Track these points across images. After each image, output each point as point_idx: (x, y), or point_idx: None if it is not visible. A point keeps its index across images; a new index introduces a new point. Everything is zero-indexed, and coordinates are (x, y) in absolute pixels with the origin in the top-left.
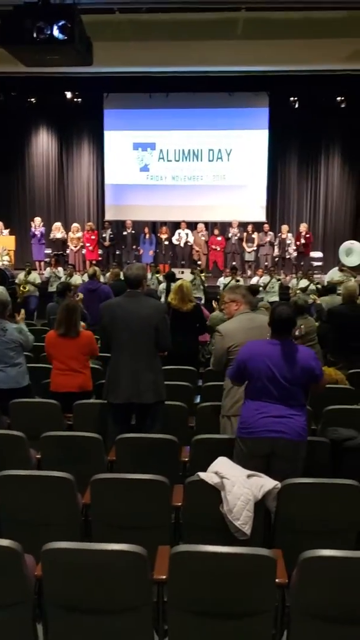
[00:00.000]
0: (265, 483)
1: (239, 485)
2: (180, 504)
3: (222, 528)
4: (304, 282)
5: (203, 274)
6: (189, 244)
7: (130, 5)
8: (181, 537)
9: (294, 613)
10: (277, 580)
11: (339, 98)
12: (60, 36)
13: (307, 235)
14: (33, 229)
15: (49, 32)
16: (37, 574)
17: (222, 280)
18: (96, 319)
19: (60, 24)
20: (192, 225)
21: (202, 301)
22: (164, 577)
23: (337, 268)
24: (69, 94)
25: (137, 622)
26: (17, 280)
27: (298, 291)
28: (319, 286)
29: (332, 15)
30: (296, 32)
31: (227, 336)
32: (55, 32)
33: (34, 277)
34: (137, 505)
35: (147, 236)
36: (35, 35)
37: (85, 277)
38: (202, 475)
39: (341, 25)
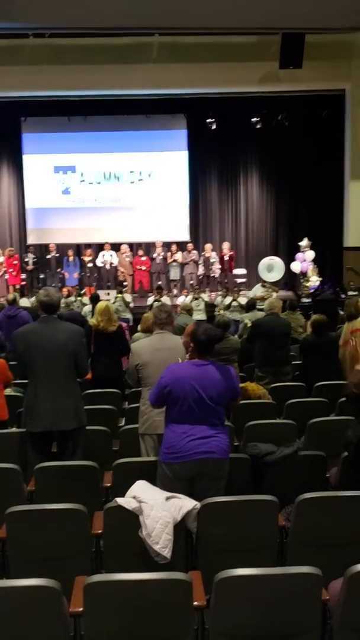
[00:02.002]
0: (184, 504)
1: (157, 509)
2: (101, 531)
3: (143, 553)
4: (228, 299)
5: (123, 295)
6: (113, 265)
7: (37, 31)
8: (102, 566)
9: (213, 635)
10: (195, 603)
11: (254, 119)
12: None
13: (230, 253)
14: None
15: None
16: None
17: (150, 300)
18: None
19: None
20: (116, 247)
21: (131, 322)
22: (80, 609)
23: (260, 284)
24: None
25: None
26: None
27: (222, 309)
28: (242, 303)
29: (243, 40)
30: (209, 55)
31: (135, 354)
32: None
33: None
34: (55, 536)
35: (71, 259)
36: None
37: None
38: (119, 500)
39: (252, 50)
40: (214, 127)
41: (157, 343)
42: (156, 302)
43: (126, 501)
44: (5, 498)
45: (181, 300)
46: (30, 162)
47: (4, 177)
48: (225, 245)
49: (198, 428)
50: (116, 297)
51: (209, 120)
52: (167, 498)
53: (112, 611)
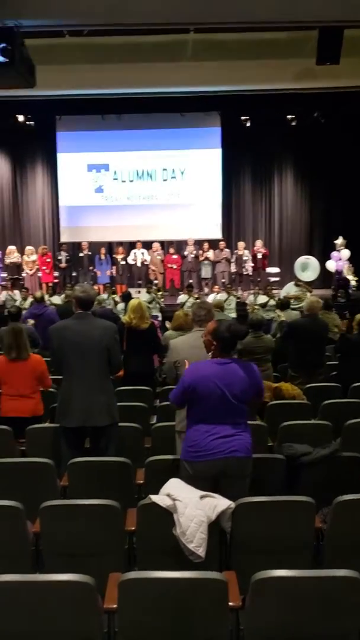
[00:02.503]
0: (219, 503)
1: (192, 507)
2: (134, 528)
3: (177, 551)
4: (262, 298)
5: (160, 293)
6: (145, 263)
7: (74, 28)
8: (135, 563)
9: (248, 637)
10: (230, 603)
11: (289, 116)
12: (1, 59)
13: (263, 251)
14: None
15: None
16: None
17: (181, 298)
18: (45, 343)
19: (0, 46)
20: (147, 245)
21: (160, 319)
22: (114, 606)
23: (293, 283)
24: (21, 118)
25: None
26: None
27: (256, 307)
28: (278, 301)
29: (278, 36)
30: (244, 52)
31: (173, 350)
32: None
33: None
34: (89, 532)
35: (103, 257)
36: None
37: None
38: (153, 498)
39: (287, 46)
40: (248, 124)
41: (196, 340)
42: (197, 300)
43: (160, 498)
44: (39, 492)
45: (212, 298)
46: (65, 160)
47: (39, 175)
48: (258, 243)
49: (221, 427)
50: (151, 295)
51: (243, 118)
52: (202, 497)
53: (146, 609)
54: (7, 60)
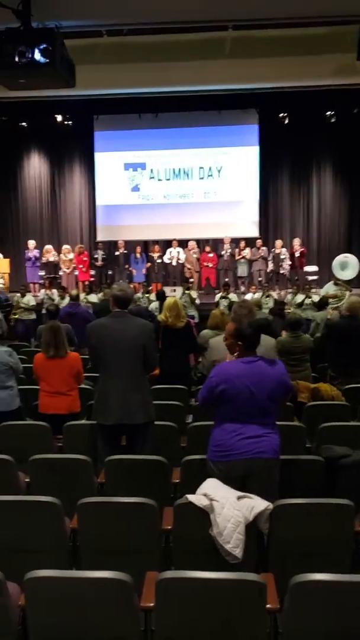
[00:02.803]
0: (256, 504)
1: (229, 507)
2: (170, 527)
3: (213, 552)
4: (300, 297)
5: (190, 292)
6: (180, 262)
7: (114, 27)
8: (172, 562)
9: None
10: (267, 606)
11: (328, 113)
12: (42, 59)
13: (301, 250)
14: (28, 253)
15: (30, 56)
16: (21, 603)
17: (218, 297)
18: (81, 342)
19: (41, 47)
20: (183, 243)
21: (197, 319)
22: (152, 604)
23: (332, 282)
24: (59, 117)
25: None
26: (12, 303)
27: (294, 306)
28: (315, 301)
29: (317, 31)
30: (282, 49)
31: (214, 349)
32: (37, 55)
33: (28, 299)
34: (125, 530)
35: (139, 256)
36: (17, 59)
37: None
38: (190, 497)
39: (326, 42)
40: (286, 121)
41: None
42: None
43: (197, 498)
44: (76, 489)
45: (248, 297)
46: (102, 160)
47: (76, 175)
48: (296, 242)
49: (249, 427)
50: (183, 294)
51: (281, 115)
52: (239, 497)
53: (183, 608)
54: (48, 61)
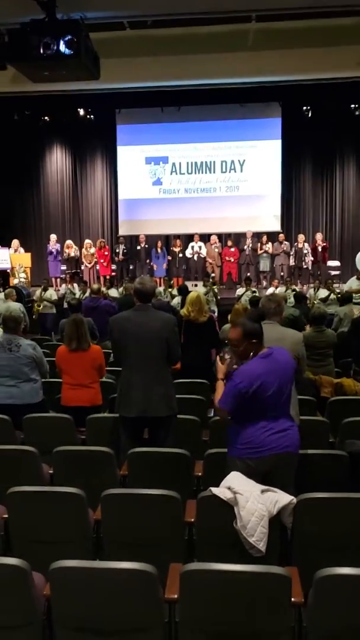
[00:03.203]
0: (280, 498)
1: (253, 501)
2: (193, 519)
3: (236, 544)
4: (323, 292)
5: (215, 287)
6: (202, 256)
7: (138, 18)
8: (195, 554)
9: (310, 634)
10: (292, 599)
11: (352, 105)
12: (67, 51)
13: (324, 244)
14: (49, 247)
15: (55, 48)
16: (46, 593)
17: (238, 292)
18: (103, 335)
19: (66, 39)
20: (205, 238)
21: (216, 314)
22: (175, 596)
23: (355, 277)
24: (81, 111)
25: None
26: (34, 297)
27: (316, 301)
28: (339, 295)
29: (340, 22)
30: (306, 40)
31: None
32: (62, 47)
33: (50, 293)
34: (149, 521)
35: (160, 250)
36: (42, 51)
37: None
38: (214, 490)
39: (350, 32)
40: (309, 114)
41: (266, 334)
42: (254, 293)
43: (221, 491)
44: (99, 481)
45: (270, 292)
46: (124, 153)
47: (99, 169)
48: (319, 236)
49: (277, 422)
50: (208, 289)
51: (304, 108)
52: (263, 491)
53: (208, 600)
54: (72, 52)
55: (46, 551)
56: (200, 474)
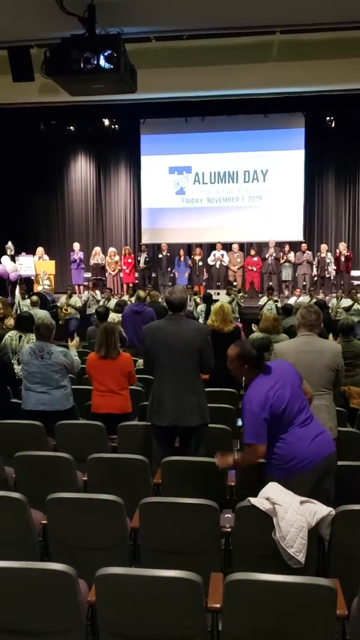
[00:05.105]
0: (319, 509)
1: (292, 512)
2: (228, 529)
3: (274, 555)
4: (346, 302)
5: (240, 294)
6: (224, 264)
7: (172, 33)
8: (231, 564)
9: None
10: (337, 612)
11: None
12: (107, 65)
13: (347, 254)
14: (73, 255)
15: (95, 62)
16: (89, 599)
17: (261, 301)
18: (138, 341)
19: (106, 53)
20: (227, 246)
21: (238, 322)
22: (219, 605)
23: None
24: (106, 121)
25: None
26: (58, 304)
27: (339, 310)
28: None
29: None
30: (330, 52)
31: (279, 355)
32: (102, 61)
33: (75, 300)
34: (186, 530)
35: (182, 259)
36: (82, 65)
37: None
38: (253, 500)
39: None
40: (333, 125)
41: (303, 345)
42: (276, 302)
43: (259, 502)
44: (134, 489)
45: (293, 301)
46: (148, 163)
47: (123, 178)
48: (342, 246)
49: (308, 428)
50: (233, 298)
51: (328, 118)
52: (302, 502)
53: (252, 610)
54: (112, 66)
55: (84, 557)
56: (233, 483)
